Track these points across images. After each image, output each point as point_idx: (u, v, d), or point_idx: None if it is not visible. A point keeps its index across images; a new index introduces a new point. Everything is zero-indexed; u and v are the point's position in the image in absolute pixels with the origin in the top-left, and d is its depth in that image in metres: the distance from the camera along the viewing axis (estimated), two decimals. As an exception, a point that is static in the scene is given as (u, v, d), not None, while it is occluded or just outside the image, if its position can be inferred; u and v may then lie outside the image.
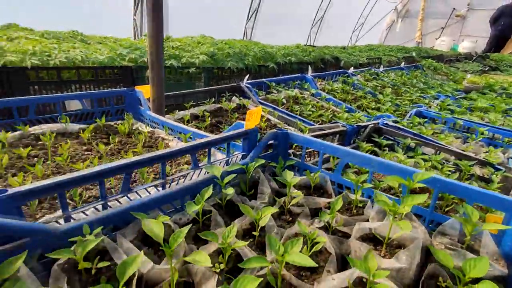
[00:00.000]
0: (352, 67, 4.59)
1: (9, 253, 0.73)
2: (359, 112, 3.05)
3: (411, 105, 3.64)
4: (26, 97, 1.85)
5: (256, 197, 1.31)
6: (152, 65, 1.97)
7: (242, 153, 1.48)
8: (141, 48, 3.58)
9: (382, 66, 5.41)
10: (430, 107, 3.70)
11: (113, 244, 0.85)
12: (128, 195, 1.07)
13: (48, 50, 2.82)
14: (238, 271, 0.97)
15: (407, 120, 2.88)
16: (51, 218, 0.91)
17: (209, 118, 2.39)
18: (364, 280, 0.89)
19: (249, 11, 12.12)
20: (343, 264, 1.02)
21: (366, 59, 7.67)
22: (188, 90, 2.71)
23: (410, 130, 2.39)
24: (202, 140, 1.27)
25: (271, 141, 1.53)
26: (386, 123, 2.44)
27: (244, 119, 2.64)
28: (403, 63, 6.54)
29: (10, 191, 0.77)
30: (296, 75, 3.79)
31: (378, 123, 2.43)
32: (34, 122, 1.85)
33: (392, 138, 2.34)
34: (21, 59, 2.56)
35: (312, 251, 0.90)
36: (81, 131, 1.82)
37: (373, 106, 3.35)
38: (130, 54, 3.31)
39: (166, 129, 1.90)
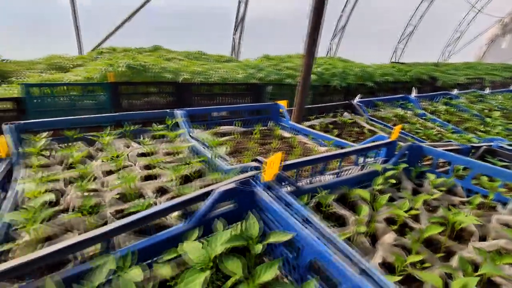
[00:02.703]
0: (456, 89, 4.64)
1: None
2: (467, 134, 3.22)
3: (524, 131, 3.58)
4: (218, 106, 2.66)
5: (399, 190, 1.78)
6: (302, 86, 2.61)
7: (384, 158, 1.96)
8: (264, 68, 4.37)
9: (488, 88, 5.24)
10: (548, 133, 3.58)
11: (333, 202, 1.43)
12: (320, 177, 1.66)
13: (206, 70, 3.78)
14: (403, 233, 1.45)
15: (523, 145, 2.94)
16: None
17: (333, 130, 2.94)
18: (504, 251, 1.28)
19: (336, 28, 12.54)
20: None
21: (466, 78, 7.34)
22: (312, 105, 3.31)
23: (528, 154, 2.52)
24: (363, 146, 1.81)
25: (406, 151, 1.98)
26: (501, 146, 2.62)
27: (358, 132, 3.13)
28: (512, 85, 6.12)
29: (288, 162, 1.40)
30: (400, 95, 4.10)
31: (491, 145, 2.63)
32: (220, 124, 2.66)
33: (507, 161, 2.52)
34: (192, 77, 3.53)
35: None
36: (252, 132, 2.54)
37: (482, 129, 3.45)
38: (258, 74, 4.11)
39: (310, 137, 2.51)
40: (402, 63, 10.04)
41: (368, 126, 3.24)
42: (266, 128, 2.92)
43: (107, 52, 5.58)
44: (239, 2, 9.76)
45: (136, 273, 0.85)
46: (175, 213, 1.34)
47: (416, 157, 2.00)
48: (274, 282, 0.89)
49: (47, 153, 1.82)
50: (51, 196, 1.21)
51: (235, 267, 0.88)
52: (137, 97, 3.47)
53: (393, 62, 11.16)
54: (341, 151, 1.65)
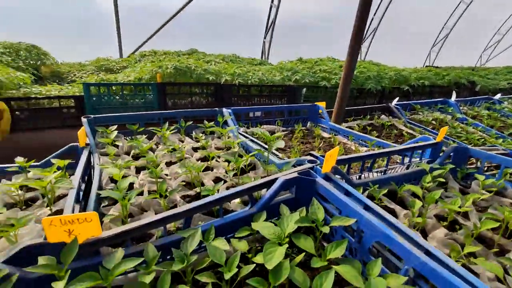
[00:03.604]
0: (499, 94, 4.47)
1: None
2: (513, 139, 3.12)
3: None
4: (263, 106, 2.79)
5: (445, 190, 1.81)
6: (343, 88, 2.68)
7: (428, 159, 1.99)
8: (299, 71, 4.47)
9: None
10: None
11: (382, 196, 1.50)
12: (368, 173, 1.73)
13: (245, 73, 3.94)
14: (452, 230, 1.49)
15: None
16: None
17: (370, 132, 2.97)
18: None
19: (367, 31, 12.35)
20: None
21: (507, 83, 7.00)
22: (348, 108, 3.35)
23: None
24: (409, 146, 1.85)
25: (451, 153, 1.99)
26: (552, 152, 2.53)
27: (397, 135, 3.13)
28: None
29: (339, 157, 1.49)
30: (439, 99, 4.03)
31: (541, 151, 2.54)
32: (261, 123, 2.79)
33: (558, 167, 2.43)
34: (232, 79, 3.70)
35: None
36: (291, 132, 2.65)
37: (529, 135, 3.33)
38: (294, 76, 4.21)
39: (351, 137, 2.57)
40: (437, 67, 9.72)
41: (406, 129, 3.23)
42: (304, 128, 3.01)
43: (149, 55, 5.93)
44: (271, 7, 9.94)
45: (222, 243, 0.98)
46: (237, 200, 1.47)
47: (461, 159, 2.01)
48: (341, 259, 0.99)
49: (115, 143, 2.03)
50: (134, 179, 1.39)
51: (307, 244, 0.99)
52: (181, 97, 3.70)
53: (428, 66, 10.83)
54: (389, 149, 1.72)
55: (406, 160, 1.93)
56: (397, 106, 3.53)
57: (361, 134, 2.52)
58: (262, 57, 10.86)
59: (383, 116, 3.51)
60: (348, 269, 0.90)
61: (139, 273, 0.92)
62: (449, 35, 13.82)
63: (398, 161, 2.05)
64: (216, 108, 2.49)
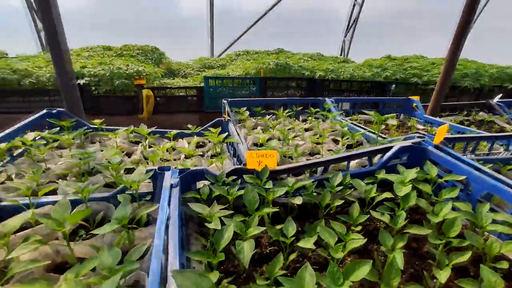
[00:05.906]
0: None
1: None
2: None
3: None
4: (360, 98, 3.12)
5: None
6: (442, 82, 2.83)
7: (535, 149, 2.06)
8: (388, 68, 4.60)
9: None
10: None
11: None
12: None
13: (336, 69, 4.28)
14: None
15: None
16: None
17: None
18: None
19: (460, 27, 11.26)
20: None
21: None
22: (444, 103, 3.42)
23: None
24: (515, 133, 1.98)
25: None
26: None
27: (498, 131, 3.09)
28: None
29: (446, 136, 1.76)
30: (552, 98, 3.72)
31: None
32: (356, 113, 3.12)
33: None
34: (325, 74, 4.08)
35: None
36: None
37: None
38: (384, 73, 4.37)
39: (449, 128, 2.71)
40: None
41: (509, 126, 3.15)
42: (398, 120, 3.22)
43: (242, 54, 6.70)
44: (354, 5, 9.93)
45: (359, 182, 1.40)
46: (355, 162, 1.87)
47: None
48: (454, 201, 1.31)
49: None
50: (277, 143, 1.90)
51: (425, 188, 1.34)
52: (278, 90, 4.24)
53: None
54: (495, 134, 1.89)
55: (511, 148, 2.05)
56: (500, 103, 3.43)
57: (459, 126, 2.64)
58: (341, 55, 10.92)
59: (481, 113, 3.46)
60: (462, 204, 1.22)
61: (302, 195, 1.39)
62: None
63: (502, 150, 2.17)
64: (320, 98, 2.91)
